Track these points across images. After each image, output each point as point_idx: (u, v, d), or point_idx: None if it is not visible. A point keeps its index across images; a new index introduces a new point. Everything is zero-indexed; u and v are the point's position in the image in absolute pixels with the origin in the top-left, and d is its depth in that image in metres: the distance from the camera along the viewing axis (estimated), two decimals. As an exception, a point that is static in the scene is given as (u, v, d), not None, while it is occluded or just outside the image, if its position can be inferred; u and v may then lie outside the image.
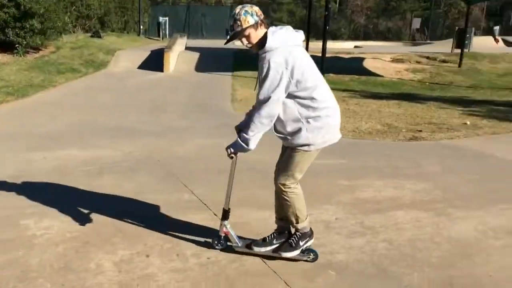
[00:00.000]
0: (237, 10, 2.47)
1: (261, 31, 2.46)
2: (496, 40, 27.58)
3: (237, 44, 3.16)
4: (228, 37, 2.52)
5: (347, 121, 7.14)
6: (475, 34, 26.02)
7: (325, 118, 2.50)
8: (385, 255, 2.87)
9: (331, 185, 4.18)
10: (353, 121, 7.24)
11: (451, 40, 21.88)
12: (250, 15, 2.43)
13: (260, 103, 2.43)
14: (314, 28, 33.03)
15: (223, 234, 2.84)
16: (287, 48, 2.42)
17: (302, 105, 2.47)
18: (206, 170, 4.61)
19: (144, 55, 15.18)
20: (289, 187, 2.63)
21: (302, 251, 2.71)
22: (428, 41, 32.56)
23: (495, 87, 12.85)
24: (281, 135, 2.57)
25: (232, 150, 2.59)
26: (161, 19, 26.12)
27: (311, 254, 2.73)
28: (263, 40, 2.43)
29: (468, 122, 7.31)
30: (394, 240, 3.08)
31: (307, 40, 17.26)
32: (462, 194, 4.02)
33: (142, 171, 4.52)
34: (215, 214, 3.43)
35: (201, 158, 5.08)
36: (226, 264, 2.70)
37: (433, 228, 3.30)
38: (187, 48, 18.11)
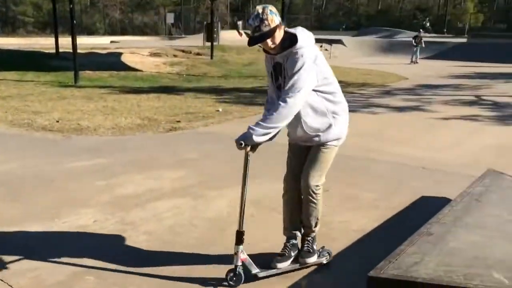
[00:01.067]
0: (260, 9, 2.32)
1: (282, 31, 2.37)
2: (240, 34, 30.79)
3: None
4: (253, 38, 2.36)
5: (105, 119, 6.91)
6: (222, 28, 28.54)
7: (343, 113, 2.55)
8: (146, 247, 2.89)
9: (88, 187, 3.97)
10: (112, 117, 7.04)
11: (202, 34, 23.49)
12: (275, 15, 2.32)
13: (289, 93, 2.32)
14: (66, 23, 30.77)
15: (240, 263, 2.43)
16: (312, 47, 2.44)
17: (328, 100, 2.48)
18: None
19: None
20: (320, 189, 2.55)
21: (318, 254, 2.67)
22: (183, 35, 34.21)
23: (242, 76, 14.38)
24: (312, 133, 2.50)
25: (242, 142, 2.40)
26: None
27: (326, 254, 2.70)
28: (286, 40, 2.37)
29: (220, 109, 7.96)
30: (155, 231, 3.13)
31: (55, 35, 15.94)
32: (217, 176, 4.37)
33: None
34: None
35: None
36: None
37: (191, 212, 3.49)
38: None
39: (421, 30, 21.11)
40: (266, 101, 2.73)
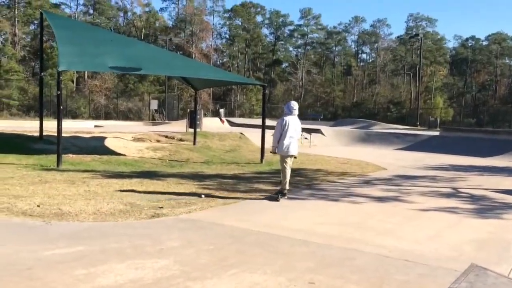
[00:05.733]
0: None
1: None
2: (222, 121, 31.75)
3: None
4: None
5: (87, 204, 6.83)
6: (205, 115, 29.42)
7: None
8: None
9: (67, 276, 3.84)
10: (94, 203, 6.97)
11: (185, 120, 24.09)
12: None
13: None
14: (50, 106, 31.30)
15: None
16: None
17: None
18: None
19: None
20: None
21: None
22: (167, 121, 34.98)
23: (224, 162, 14.57)
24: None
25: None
26: None
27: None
28: None
29: (203, 196, 7.98)
30: (136, 325, 3.00)
31: (40, 119, 16.11)
32: (199, 265, 4.29)
33: None
34: None
35: None
36: None
37: (174, 304, 3.38)
38: None
39: None
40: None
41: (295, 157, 8.23)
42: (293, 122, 7.97)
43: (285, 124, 7.88)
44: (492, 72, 70.67)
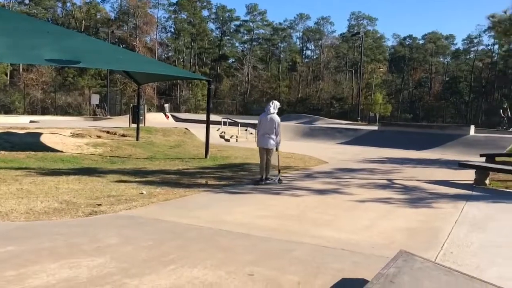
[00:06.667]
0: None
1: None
2: (167, 116, 31.25)
3: None
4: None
5: (19, 203, 6.51)
6: (149, 110, 28.80)
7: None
8: None
9: (-5, 278, 3.65)
10: (27, 201, 6.66)
11: (128, 115, 23.48)
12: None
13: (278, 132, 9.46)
14: (-19, 101, 29.44)
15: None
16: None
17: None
18: None
19: None
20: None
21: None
22: (109, 116, 33.93)
23: (168, 157, 14.37)
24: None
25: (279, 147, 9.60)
26: None
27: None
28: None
29: (145, 192, 7.84)
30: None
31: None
32: (137, 262, 4.22)
33: None
34: None
35: None
36: None
37: (109, 302, 3.31)
38: None
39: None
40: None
41: (277, 150, 9.65)
42: (266, 120, 9.39)
43: (259, 122, 9.60)
44: (428, 70, 74.40)
